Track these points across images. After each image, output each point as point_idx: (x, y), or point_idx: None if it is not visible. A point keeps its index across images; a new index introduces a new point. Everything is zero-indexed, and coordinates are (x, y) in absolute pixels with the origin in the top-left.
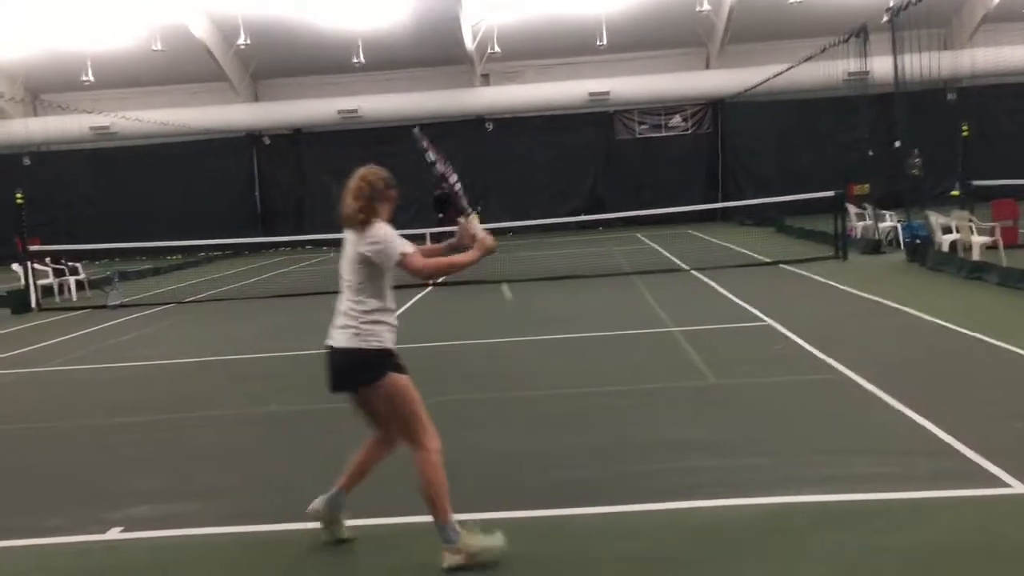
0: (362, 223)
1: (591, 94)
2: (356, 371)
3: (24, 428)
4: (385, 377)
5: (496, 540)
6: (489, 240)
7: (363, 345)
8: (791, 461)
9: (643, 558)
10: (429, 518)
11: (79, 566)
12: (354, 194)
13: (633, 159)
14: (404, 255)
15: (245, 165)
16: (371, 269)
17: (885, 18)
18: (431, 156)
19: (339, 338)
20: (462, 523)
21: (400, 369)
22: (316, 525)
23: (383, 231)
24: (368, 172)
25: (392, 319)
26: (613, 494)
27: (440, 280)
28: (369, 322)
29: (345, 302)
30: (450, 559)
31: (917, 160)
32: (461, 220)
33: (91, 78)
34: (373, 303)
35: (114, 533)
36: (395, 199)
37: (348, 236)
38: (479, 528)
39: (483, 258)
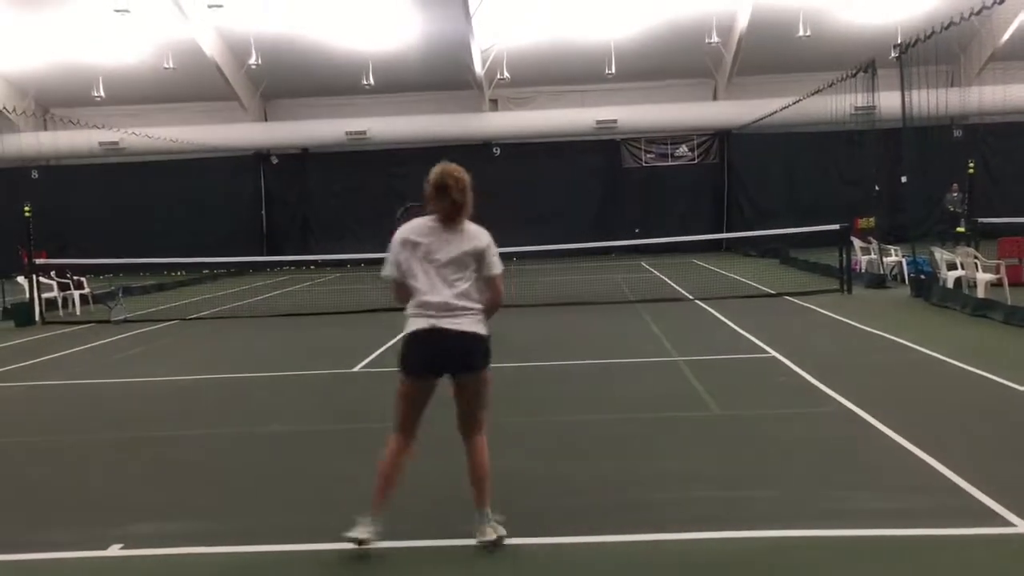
0: (463, 218)
1: (598, 122)
2: (481, 354)
3: (26, 442)
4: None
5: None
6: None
7: (487, 332)
8: (793, 495)
9: None
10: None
11: None
12: (463, 189)
13: (639, 188)
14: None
15: (252, 183)
16: (479, 267)
17: (893, 54)
18: None
19: (465, 323)
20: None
21: None
22: (340, 544)
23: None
24: (458, 168)
25: None
26: (612, 523)
27: None
28: (482, 313)
29: (459, 293)
30: (497, 531)
31: (956, 195)
32: None
33: (102, 94)
34: (478, 298)
35: (115, 550)
36: None
37: (445, 235)
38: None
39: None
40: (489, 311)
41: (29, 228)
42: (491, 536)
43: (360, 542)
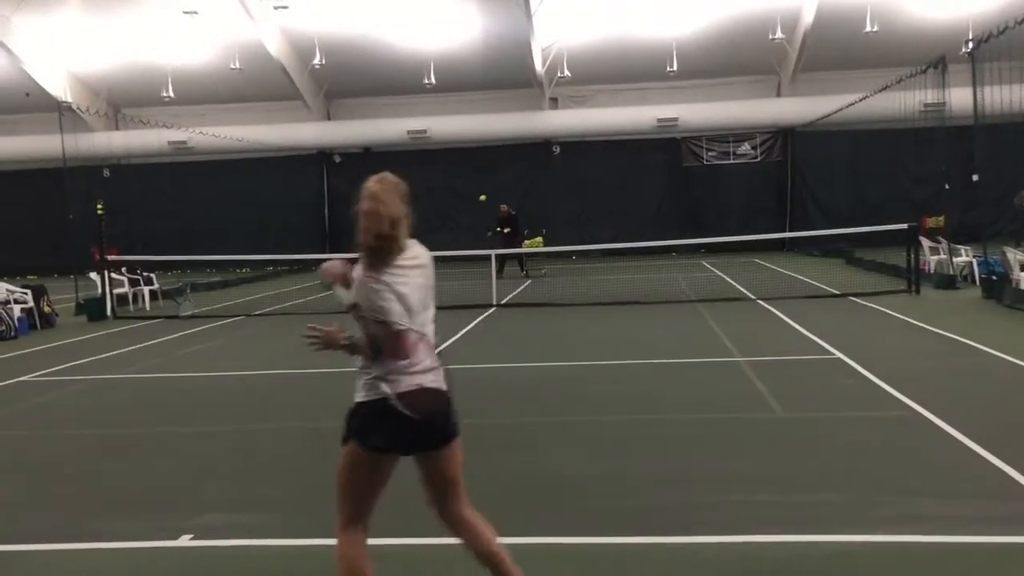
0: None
1: (659, 120)
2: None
3: (98, 434)
4: None
5: None
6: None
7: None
8: (861, 499)
9: None
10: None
11: (150, 571)
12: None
13: (700, 186)
14: None
15: (315, 182)
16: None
17: (965, 49)
18: None
19: (443, 380)
20: None
21: None
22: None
23: None
24: (397, 179)
25: None
26: (675, 525)
27: (504, 301)
28: None
29: (432, 339)
30: None
31: None
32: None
33: (171, 94)
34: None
35: (184, 540)
36: None
37: (420, 257)
38: None
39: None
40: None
41: (101, 225)
42: None
43: None
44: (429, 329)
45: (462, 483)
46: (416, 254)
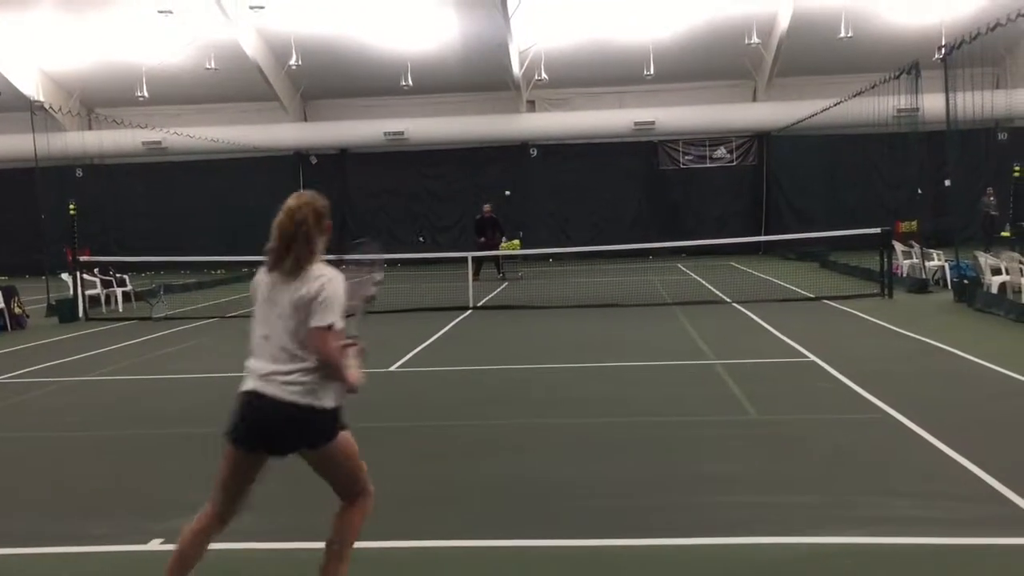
0: (306, 263)
1: (636, 123)
2: (311, 432)
3: (68, 436)
4: (338, 436)
5: None
6: (358, 379)
7: (321, 404)
8: (835, 501)
9: None
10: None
11: None
12: (310, 226)
13: (676, 189)
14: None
15: (292, 183)
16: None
17: (938, 55)
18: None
19: (290, 391)
20: None
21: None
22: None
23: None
24: (313, 198)
25: None
26: (652, 526)
27: (481, 303)
28: (324, 377)
29: (288, 356)
30: None
31: (992, 199)
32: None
33: (145, 94)
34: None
35: (155, 544)
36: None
37: (279, 280)
38: None
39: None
40: (324, 373)
41: (73, 226)
42: None
43: None
44: (289, 342)
45: (339, 483)
46: (307, 275)
